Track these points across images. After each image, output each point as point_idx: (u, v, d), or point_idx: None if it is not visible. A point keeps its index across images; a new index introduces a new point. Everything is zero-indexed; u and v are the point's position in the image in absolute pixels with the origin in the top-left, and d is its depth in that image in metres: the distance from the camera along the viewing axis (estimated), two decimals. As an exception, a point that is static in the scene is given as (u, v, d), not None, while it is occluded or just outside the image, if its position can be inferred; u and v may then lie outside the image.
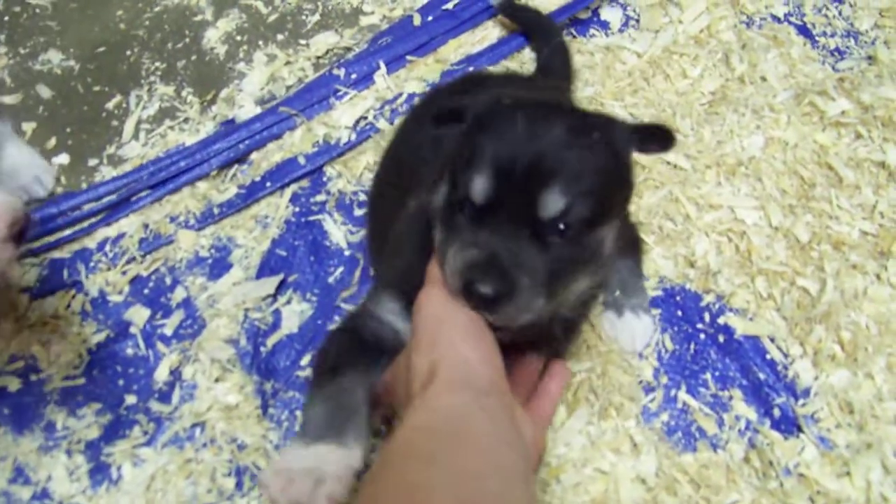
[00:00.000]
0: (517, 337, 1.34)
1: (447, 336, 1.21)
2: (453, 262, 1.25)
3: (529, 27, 2.58)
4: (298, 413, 2.01)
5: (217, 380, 2.08)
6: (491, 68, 2.53)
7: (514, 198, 1.21)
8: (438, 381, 1.14)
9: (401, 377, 1.29)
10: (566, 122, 1.24)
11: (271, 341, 2.12)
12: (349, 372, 1.43)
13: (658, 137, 1.36)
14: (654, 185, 2.26)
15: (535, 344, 1.43)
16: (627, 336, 2.06)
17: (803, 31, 2.60)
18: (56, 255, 2.31)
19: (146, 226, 2.34)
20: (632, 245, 2.09)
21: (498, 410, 1.13)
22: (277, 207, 2.33)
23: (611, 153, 1.28)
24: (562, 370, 1.44)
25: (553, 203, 1.19)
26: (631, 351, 2.07)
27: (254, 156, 2.44)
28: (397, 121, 2.42)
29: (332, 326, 1.86)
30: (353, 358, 1.48)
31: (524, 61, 2.57)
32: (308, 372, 2.07)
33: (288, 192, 2.35)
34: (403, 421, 1.12)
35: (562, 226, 1.21)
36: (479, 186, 1.21)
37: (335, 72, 2.56)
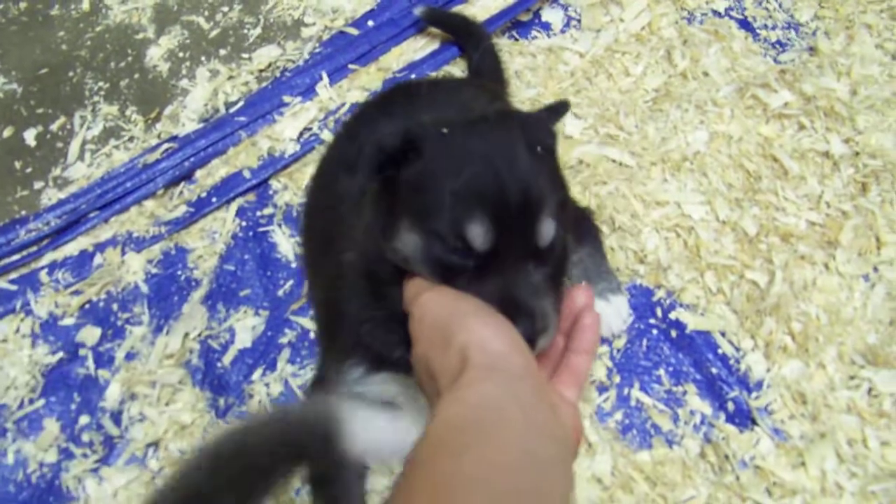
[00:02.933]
0: None
1: (467, 322, 1.17)
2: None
3: (457, 34, 2.59)
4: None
5: (168, 403, 2.06)
6: (433, 74, 2.52)
7: (512, 236, 1.19)
8: (470, 368, 1.09)
9: (425, 387, 1.25)
10: (517, 141, 1.24)
11: (227, 358, 2.11)
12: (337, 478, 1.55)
13: (560, 110, 1.46)
14: (600, 181, 2.26)
15: None
16: (602, 324, 2.04)
17: (744, 24, 2.61)
18: (4, 280, 2.29)
19: (95, 247, 2.32)
20: (587, 231, 2.09)
21: (531, 395, 1.08)
22: (224, 222, 2.31)
23: (553, 155, 1.32)
24: (592, 316, 1.33)
25: (548, 231, 1.21)
26: (610, 336, 2.08)
27: (199, 172, 2.43)
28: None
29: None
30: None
31: (465, 66, 2.56)
32: (257, 387, 2.06)
33: (234, 206, 2.34)
34: (435, 415, 1.08)
35: (551, 245, 1.23)
36: (480, 235, 1.18)
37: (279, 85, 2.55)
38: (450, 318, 1.19)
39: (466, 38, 2.54)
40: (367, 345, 1.49)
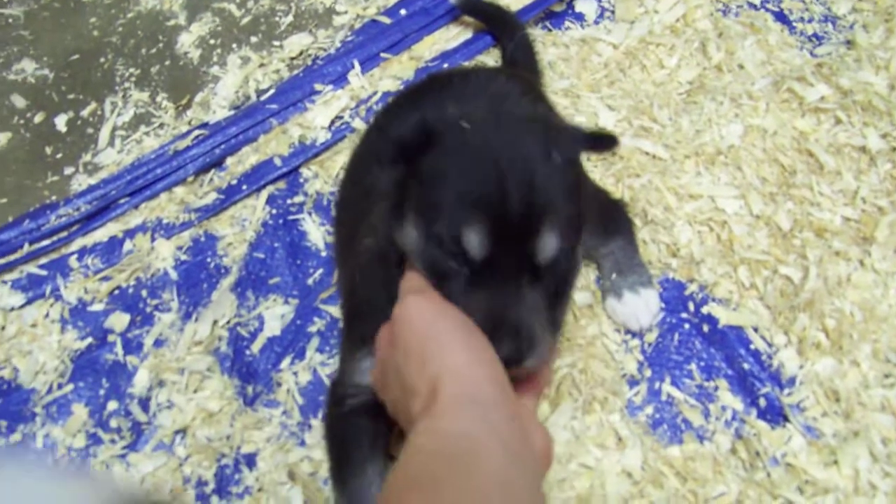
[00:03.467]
0: None
1: (443, 346, 1.16)
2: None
3: (492, 23, 2.57)
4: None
5: (196, 390, 2.06)
6: (465, 63, 2.51)
7: (510, 247, 1.18)
8: (442, 399, 1.09)
9: (394, 396, 1.26)
10: (536, 148, 1.22)
11: (256, 346, 2.10)
12: (358, 469, 1.62)
13: (604, 143, 1.37)
14: (634, 174, 2.24)
15: None
16: (631, 316, 2.05)
17: (780, 17, 2.59)
18: (34, 265, 2.29)
19: (125, 233, 2.32)
20: (619, 224, 2.08)
21: (505, 424, 1.08)
22: (254, 209, 2.31)
23: (572, 168, 1.28)
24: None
25: (549, 247, 1.18)
26: (637, 329, 2.06)
27: (229, 160, 2.43)
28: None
29: (325, 403, 1.81)
30: (357, 445, 1.62)
31: (499, 56, 2.55)
32: (286, 375, 2.05)
33: (264, 194, 2.34)
34: (407, 446, 1.07)
35: (553, 264, 1.20)
36: (476, 243, 1.17)
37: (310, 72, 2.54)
38: (428, 337, 1.18)
39: (501, 28, 2.52)
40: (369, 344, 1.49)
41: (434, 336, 1.17)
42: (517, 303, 1.18)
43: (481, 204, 1.17)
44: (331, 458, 1.74)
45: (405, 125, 1.28)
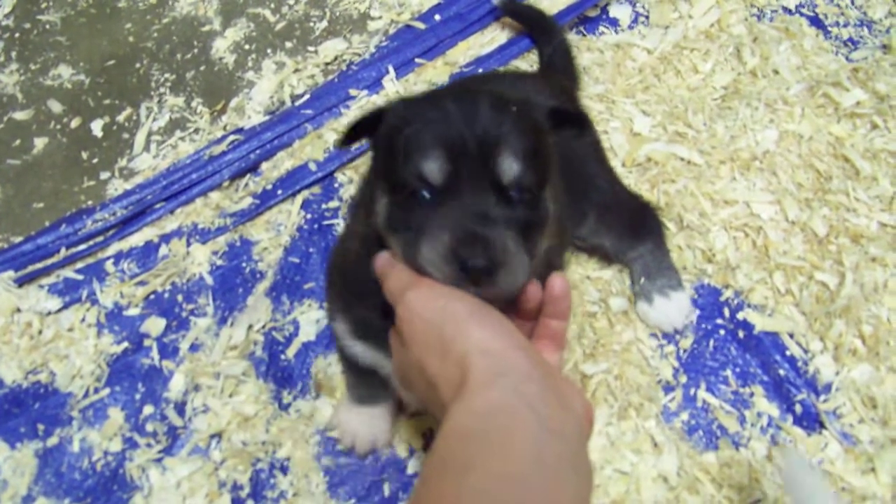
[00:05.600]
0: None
1: (460, 326, 1.14)
2: (435, 249, 1.19)
3: (532, 27, 2.56)
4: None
5: (231, 395, 2.07)
6: (500, 69, 2.51)
7: (471, 171, 1.19)
8: (472, 379, 1.07)
9: (421, 392, 1.25)
10: (489, 99, 1.24)
11: (291, 352, 2.11)
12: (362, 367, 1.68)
13: (572, 120, 1.40)
14: (669, 179, 2.24)
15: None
16: (663, 319, 2.06)
17: (815, 22, 2.58)
18: (70, 270, 2.31)
19: (160, 238, 2.33)
20: (649, 227, 2.08)
21: (540, 396, 1.05)
22: (289, 214, 2.32)
23: (533, 125, 1.29)
24: (561, 283, 1.30)
25: (510, 167, 1.19)
26: (670, 331, 2.07)
27: (264, 165, 2.44)
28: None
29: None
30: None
31: (534, 61, 2.55)
32: (317, 377, 2.08)
33: (299, 199, 2.35)
34: (442, 428, 1.06)
35: (519, 189, 1.21)
36: (433, 167, 1.19)
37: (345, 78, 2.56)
38: (443, 322, 1.16)
39: (540, 32, 2.52)
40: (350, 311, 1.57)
41: (449, 320, 1.16)
42: (486, 220, 1.18)
43: (435, 136, 1.20)
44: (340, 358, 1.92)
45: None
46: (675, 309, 2.06)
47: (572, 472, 1.00)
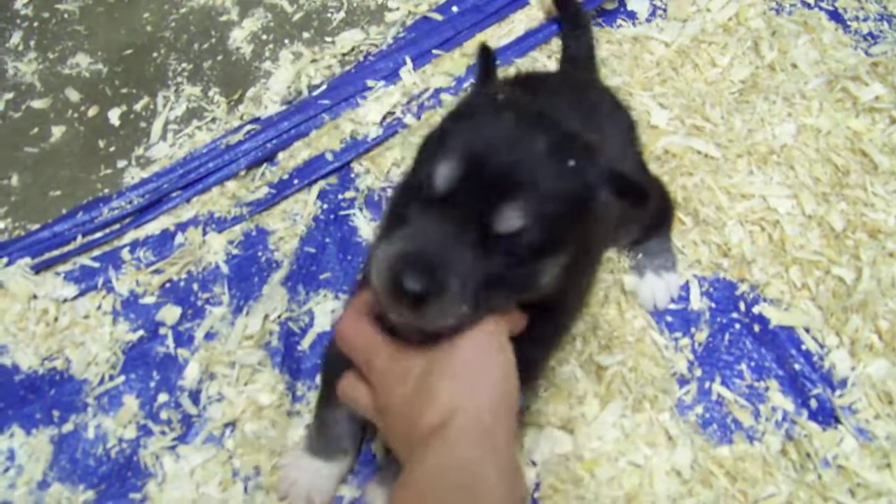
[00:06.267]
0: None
1: (470, 377, 1.16)
2: (387, 249, 1.15)
3: (563, 11, 2.52)
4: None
5: (246, 383, 2.07)
6: (517, 60, 2.51)
7: (472, 197, 1.11)
8: (457, 428, 1.10)
9: (394, 423, 1.25)
10: (550, 138, 1.16)
11: (307, 342, 2.12)
12: (341, 405, 1.66)
13: (633, 195, 1.24)
14: (686, 173, 2.24)
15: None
16: (648, 295, 2.08)
17: (834, 16, 2.57)
18: (87, 258, 2.31)
19: (176, 226, 2.34)
20: (668, 221, 2.10)
21: (509, 467, 1.11)
22: (306, 204, 2.32)
23: (581, 186, 1.18)
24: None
25: (509, 219, 1.11)
26: (652, 309, 2.08)
27: (281, 154, 2.44)
28: (424, 116, 2.42)
29: (329, 343, 1.82)
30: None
31: (551, 52, 2.55)
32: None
33: (315, 188, 2.35)
34: (417, 462, 1.10)
35: (509, 244, 1.13)
36: (443, 172, 1.13)
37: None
38: (466, 360, 1.19)
39: (570, 18, 2.49)
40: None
41: (472, 364, 1.18)
42: (449, 250, 1.11)
43: (463, 150, 1.14)
44: (321, 381, 1.84)
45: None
46: (663, 288, 2.07)
47: None
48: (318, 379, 2.04)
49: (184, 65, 2.72)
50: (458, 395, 1.14)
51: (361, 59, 2.64)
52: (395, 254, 1.12)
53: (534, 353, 1.24)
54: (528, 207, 1.11)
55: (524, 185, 1.11)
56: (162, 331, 2.18)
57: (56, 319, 2.22)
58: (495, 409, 1.14)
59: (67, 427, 2.07)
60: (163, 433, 2.04)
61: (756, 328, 2.04)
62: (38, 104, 2.67)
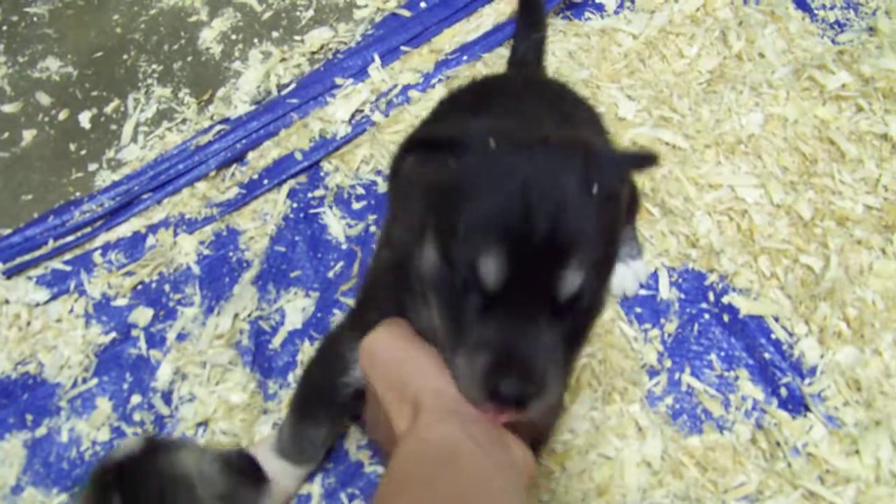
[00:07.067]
0: None
1: (419, 370, 1.19)
2: (471, 365, 1.10)
3: (525, 11, 2.44)
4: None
5: (218, 383, 2.07)
6: (485, 55, 2.52)
7: (529, 279, 1.06)
8: (424, 413, 1.12)
9: (380, 427, 1.29)
10: (569, 171, 1.09)
11: (277, 340, 2.11)
12: (320, 413, 1.71)
13: (647, 161, 1.24)
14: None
15: None
16: (617, 283, 2.08)
17: (801, 4, 2.58)
18: (58, 261, 2.31)
19: (148, 228, 2.34)
20: (635, 212, 2.09)
21: (484, 436, 1.10)
22: (276, 203, 2.32)
23: (608, 198, 1.13)
24: None
25: (572, 282, 1.06)
26: (621, 297, 2.09)
27: (250, 154, 2.44)
28: (393, 113, 2.43)
29: (316, 356, 1.76)
30: (325, 400, 1.66)
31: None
32: (300, 370, 2.07)
33: (285, 188, 2.35)
34: (393, 457, 1.10)
35: (574, 302, 1.09)
36: (492, 271, 1.05)
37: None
38: (402, 365, 1.21)
39: (527, 20, 2.42)
40: None
41: (408, 361, 1.20)
42: (532, 340, 1.07)
43: (502, 230, 1.06)
44: (299, 392, 1.80)
45: (438, 128, 1.21)
46: (631, 276, 2.09)
47: (517, 499, 1.06)
48: (291, 382, 2.05)
49: (154, 66, 2.71)
50: (421, 387, 1.16)
51: (330, 56, 2.63)
52: (485, 368, 1.08)
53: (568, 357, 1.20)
54: (584, 259, 1.07)
55: (573, 242, 1.06)
56: (134, 333, 2.18)
57: (28, 324, 2.22)
58: (455, 394, 1.15)
59: (41, 431, 2.07)
60: (136, 434, 2.03)
61: (725, 318, 2.04)
62: (8, 108, 2.66)
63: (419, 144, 1.25)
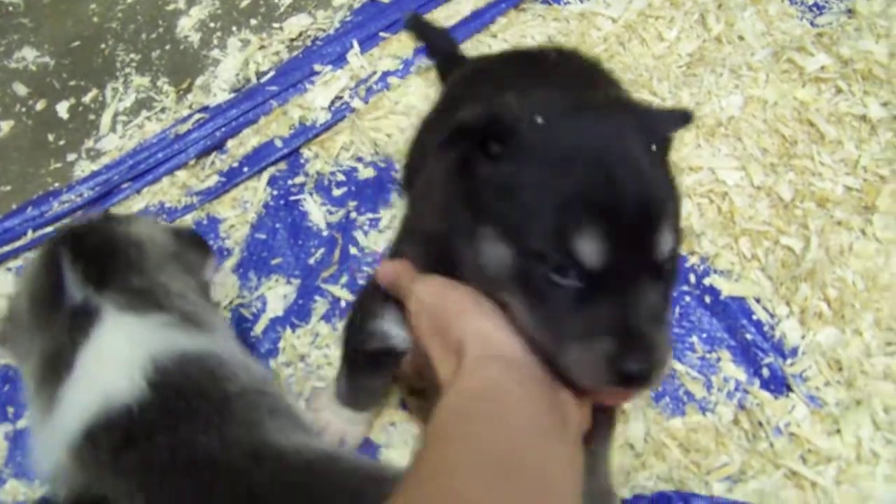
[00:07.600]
0: None
1: (462, 318, 1.14)
2: (592, 352, 1.03)
3: (433, 46, 2.34)
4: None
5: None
6: (465, 41, 2.51)
7: (629, 250, 1.02)
8: (467, 361, 1.08)
9: (429, 382, 1.25)
10: (636, 137, 1.07)
11: (259, 327, 2.11)
12: (367, 366, 1.67)
13: (683, 120, 1.23)
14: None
15: None
16: None
17: (781, -14, 2.58)
18: (37, 253, 2.30)
19: (128, 218, 2.33)
20: None
21: (529, 379, 1.07)
22: (256, 191, 2.32)
23: (666, 155, 1.16)
24: None
25: (667, 242, 1.04)
26: None
27: (230, 142, 2.44)
28: (372, 99, 2.44)
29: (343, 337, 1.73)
30: (368, 365, 1.66)
31: (495, 32, 2.57)
32: (283, 356, 2.08)
33: (265, 175, 2.35)
34: (438, 405, 1.07)
35: (668, 261, 1.07)
36: (593, 249, 1.01)
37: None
38: (446, 311, 1.17)
39: (440, 51, 2.31)
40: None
41: (452, 308, 1.16)
42: (647, 311, 1.03)
43: (591, 205, 1.02)
44: (344, 347, 1.72)
45: (469, 115, 1.12)
46: None
47: (562, 446, 1.02)
48: (273, 369, 2.05)
49: (132, 55, 2.70)
50: (463, 330, 1.12)
51: (309, 43, 2.63)
52: (606, 353, 1.02)
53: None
54: (672, 217, 1.07)
55: (661, 201, 1.05)
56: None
57: (7, 315, 2.21)
58: (503, 338, 1.12)
59: (22, 423, 2.06)
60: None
61: (707, 300, 2.04)
62: (-16, 100, 2.65)
63: (458, 132, 1.13)
